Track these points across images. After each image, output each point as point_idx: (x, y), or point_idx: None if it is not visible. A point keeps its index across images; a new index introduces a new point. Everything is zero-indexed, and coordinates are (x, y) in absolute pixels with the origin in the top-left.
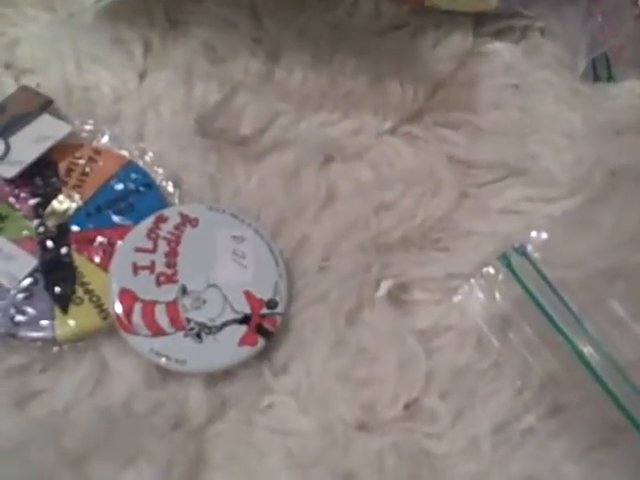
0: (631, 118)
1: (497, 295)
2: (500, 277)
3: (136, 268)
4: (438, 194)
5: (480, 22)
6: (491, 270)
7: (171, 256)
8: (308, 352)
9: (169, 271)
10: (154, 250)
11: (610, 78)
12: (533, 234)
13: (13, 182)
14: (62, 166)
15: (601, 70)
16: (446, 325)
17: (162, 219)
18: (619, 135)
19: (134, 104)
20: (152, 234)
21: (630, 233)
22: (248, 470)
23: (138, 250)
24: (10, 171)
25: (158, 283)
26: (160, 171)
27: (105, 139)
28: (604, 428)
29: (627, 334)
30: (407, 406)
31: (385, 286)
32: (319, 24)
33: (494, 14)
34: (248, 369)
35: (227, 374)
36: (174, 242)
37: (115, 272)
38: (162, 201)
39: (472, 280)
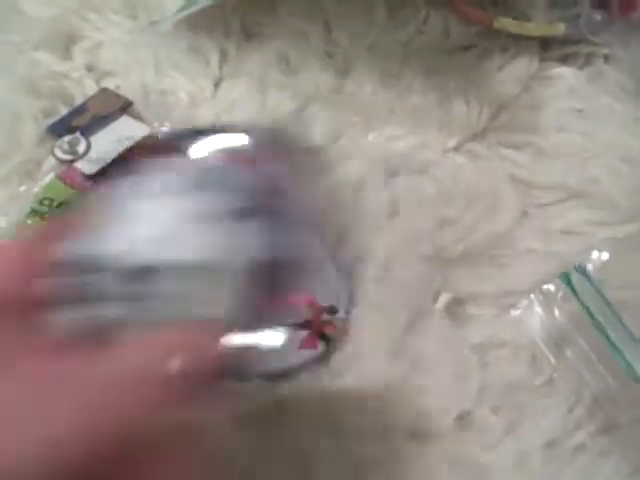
0: None
1: (556, 312)
2: (560, 294)
3: None
4: (499, 212)
5: (546, 46)
6: (551, 287)
7: None
8: (365, 359)
9: None
10: None
11: None
12: (594, 255)
13: (93, 178)
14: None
15: None
16: (501, 340)
17: None
18: None
19: (209, 110)
20: None
21: None
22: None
23: None
24: (91, 168)
25: None
26: None
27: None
28: None
29: None
30: (459, 417)
31: (444, 298)
32: (389, 40)
33: (560, 39)
34: (308, 372)
35: (287, 376)
36: None
37: None
38: None
39: (532, 295)
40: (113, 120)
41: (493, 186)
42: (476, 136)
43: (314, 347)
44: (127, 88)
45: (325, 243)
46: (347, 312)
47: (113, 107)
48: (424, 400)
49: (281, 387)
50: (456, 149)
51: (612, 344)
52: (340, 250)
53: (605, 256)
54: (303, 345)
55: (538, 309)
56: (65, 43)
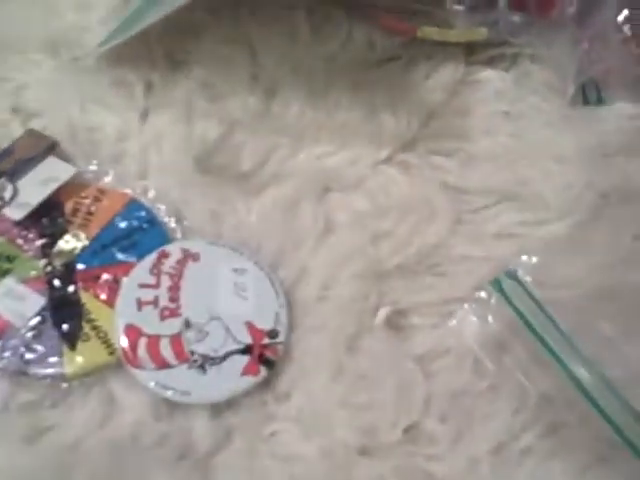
0: (620, 140)
1: (490, 319)
2: (492, 301)
3: (140, 303)
4: (433, 221)
5: (471, 51)
6: (483, 294)
7: (174, 290)
8: (309, 379)
9: (172, 305)
10: (157, 285)
11: (600, 101)
12: (524, 258)
13: (21, 224)
14: (68, 206)
15: (590, 94)
16: (443, 349)
17: (164, 255)
18: (609, 158)
19: (136, 143)
20: (155, 270)
21: (620, 255)
22: None
23: (142, 286)
24: (18, 213)
25: (162, 317)
26: (162, 207)
27: (109, 178)
28: (600, 446)
29: (618, 354)
30: (407, 430)
31: (383, 313)
32: (313, 58)
33: (485, 42)
34: (251, 398)
35: (231, 404)
36: (176, 277)
37: (120, 308)
38: (165, 237)
39: (466, 305)
40: (39, 162)
41: (426, 195)
42: (406, 147)
43: (256, 373)
44: (54, 128)
45: (261, 267)
46: (288, 334)
47: (39, 148)
48: (371, 416)
49: (225, 417)
50: (387, 161)
51: (547, 347)
52: (277, 272)
53: (535, 259)
54: (245, 371)
55: (473, 317)
56: None
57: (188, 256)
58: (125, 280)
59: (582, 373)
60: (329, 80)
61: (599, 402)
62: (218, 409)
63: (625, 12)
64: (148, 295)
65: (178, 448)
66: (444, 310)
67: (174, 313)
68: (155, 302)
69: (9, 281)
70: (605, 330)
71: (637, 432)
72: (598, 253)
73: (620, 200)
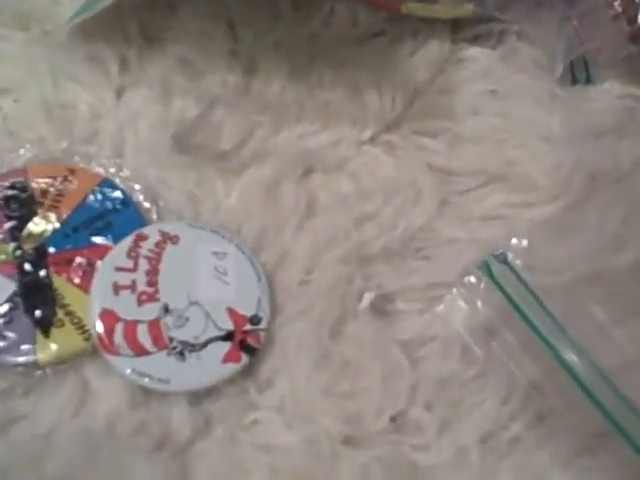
0: (610, 120)
1: (479, 304)
2: (482, 286)
3: (117, 288)
4: (419, 203)
5: (457, 28)
6: (472, 279)
7: (152, 274)
8: (292, 367)
9: (150, 290)
10: (135, 269)
11: (588, 80)
12: (514, 241)
13: None
14: (37, 187)
15: (579, 73)
16: (430, 335)
17: (142, 237)
18: (598, 138)
19: (111, 121)
20: (132, 253)
21: (611, 237)
22: None
23: (118, 269)
24: None
25: (139, 302)
26: (137, 187)
27: (81, 158)
28: (590, 434)
29: (609, 339)
30: (393, 418)
31: (368, 298)
32: (296, 35)
33: (471, 19)
34: (232, 386)
35: (211, 392)
36: (155, 260)
37: (95, 292)
38: (140, 219)
39: (454, 289)
40: None
41: (411, 176)
42: (391, 127)
43: (237, 360)
44: (26, 104)
45: (242, 250)
46: (270, 320)
47: None
48: (356, 404)
49: (205, 405)
50: (371, 141)
51: (537, 332)
52: (259, 255)
53: (525, 241)
54: (226, 359)
55: (461, 303)
56: None
57: (167, 239)
58: (100, 263)
59: (573, 359)
60: (311, 57)
61: (590, 389)
62: (197, 397)
63: None
64: (125, 279)
65: (156, 437)
66: (431, 295)
67: (152, 298)
68: (132, 286)
69: None
70: (597, 315)
71: (629, 419)
72: (588, 235)
73: (610, 181)
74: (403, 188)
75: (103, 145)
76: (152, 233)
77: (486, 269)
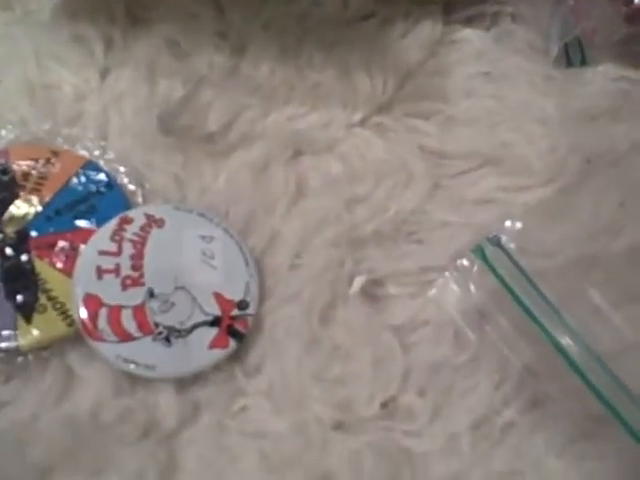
0: (605, 103)
1: (472, 287)
2: (475, 269)
3: (100, 272)
4: (410, 186)
5: (450, 9)
6: (465, 262)
7: (137, 258)
8: (281, 352)
9: (135, 274)
10: (119, 253)
11: (583, 63)
12: (507, 224)
13: None
14: (18, 169)
15: (574, 54)
16: (422, 320)
17: (127, 220)
18: (593, 121)
19: (96, 103)
20: (116, 236)
21: (606, 220)
22: (222, 476)
23: (102, 253)
24: None
25: (124, 287)
26: (122, 170)
27: (63, 139)
28: (585, 420)
29: (605, 324)
30: (384, 404)
31: (358, 282)
32: (285, 15)
33: (463, 1)
34: (220, 372)
35: (198, 378)
36: (140, 244)
37: (79, 277)
38: (125, 202)
39: (447, 273)
40: None
41: (402, 159)
42: (382, 109)
43: (225, 346)
44: (9, 84)
45: (230, 234)
46: (258, 305)
47: None
48: (346, 390)
49: (191, 392)
50: (362, 124)
51: (532, 316)
52: (247, 239)
53: (519, 224)
54: (213, 344)
55: (454, 286)
56: None
57: (152, 222)
58: (84, 247)
59: (568, 343)
60: (301, 38)
61: (586, 374)
62: (184, 384)
63: None
64: (109, 263)
65: (141, 425)
66: (422, 279)
67: (137, 282)
68: (116, 270)
69: None
70: (593, 299)
71: (625, 404)
72: (583, 219)
73: (605, 164)
74: (394, 171)
75: (87, 127)
76: (137, 216)
77: (479, 252)
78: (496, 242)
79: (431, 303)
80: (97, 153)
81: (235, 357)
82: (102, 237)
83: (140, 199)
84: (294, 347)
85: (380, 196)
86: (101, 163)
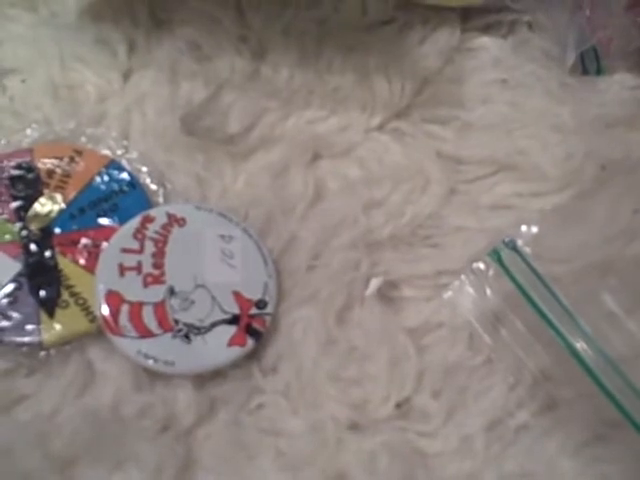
0: (621, 111)
1: (488, 291)
2: (490, 272)
3: (122, 269)
4: (427, 190)
5: (467, 17)
6: (481, 265)
7: (158, 256)
8: (298, 352)
9: (156, 272)
10: (141, 251)
11: (599, 71)
12: (523, 228)
13: None
14: (43, 167)
15: (590, 63)
16: (437, 322)
17: (149, 219)
18: (609, 128)
19: (119, 103)
20: (138, 234)
21: (621, 227)
22: (238, 472)
23: (124, 251)
24: None
25: (145, 284)
26: (144, 170)
27: (87, 139)
28: (598, 423)
29: (620, 328)
30: (399, 405)
31: (375, 284)
32: (305, 20)
33: (481, 8)
34: (237, 370)
35: (216, 375)
36: (161, 242)
37: (101, 274)
38: (147, 201)
39: (462, 276)
40: None
41: (419, 164)
42: (400, 114)
43: (243, 344)
44: (33, 84)
45: (249, 234)
46: (276, 305)
47: None
48: (361, 390)
49: (209, 388)
50: (380, 128)
51: (547, 320)
52: (266, 240)
53: (535, 229)
54: (231, 342)
55: (469, 289)
56: None
57: (173, 221)
58: (106, 245)
59: (583, 347)
60: (320, 43)
61: (600, 378)
62: (202, 380)
63: None
64: (131, 261)
65: (160, 420)
66: (438, 282)
67: (158, 280)
68: (138, 268)
69: None
70: (608, 304)
71: (638, 408)
72: (598, 225)
73: (620, 172)
74: (411, 175)
75: (110, 127)
76: (159, 215)
77: (495, 256)
78: (512, 246)
79: (446, 306)
80: (120, 153)
81: (253, 355)
82: (125, 235)
83: (161, 199)
84: (311, 347)
85: (397, 200)
86: (124, 162)
